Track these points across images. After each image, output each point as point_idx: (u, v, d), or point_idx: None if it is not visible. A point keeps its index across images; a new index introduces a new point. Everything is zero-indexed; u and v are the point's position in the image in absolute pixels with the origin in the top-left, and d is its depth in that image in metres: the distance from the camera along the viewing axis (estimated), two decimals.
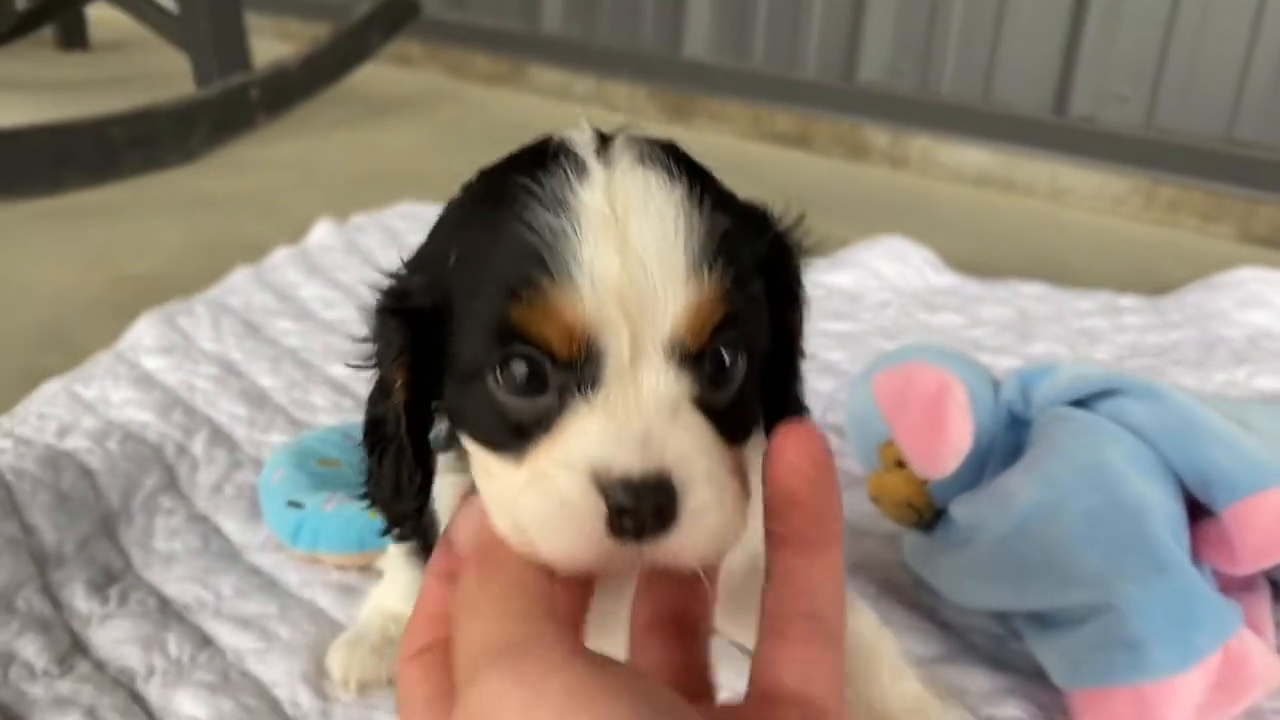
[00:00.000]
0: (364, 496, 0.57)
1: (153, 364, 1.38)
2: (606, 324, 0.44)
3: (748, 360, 0.49)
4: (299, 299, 1.66)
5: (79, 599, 0.95)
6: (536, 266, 0.44)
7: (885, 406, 1.01)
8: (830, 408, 1.16)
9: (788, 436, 0.45)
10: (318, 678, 0.88)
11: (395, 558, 0.91)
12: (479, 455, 0.48)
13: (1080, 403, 0.99)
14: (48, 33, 3.59)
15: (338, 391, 1.37)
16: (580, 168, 0.47)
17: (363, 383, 1.36)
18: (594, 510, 0.43)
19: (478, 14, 3.52)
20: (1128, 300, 1.82)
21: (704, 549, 0.44)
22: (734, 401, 0.48)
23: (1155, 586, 0.85)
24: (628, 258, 0.44)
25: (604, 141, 0.49)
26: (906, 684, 0.71)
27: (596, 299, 0.44)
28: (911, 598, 1.02)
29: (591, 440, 0.44)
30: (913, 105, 2.70)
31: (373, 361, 0.54)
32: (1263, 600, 0.97)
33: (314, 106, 2.85)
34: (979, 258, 2.05)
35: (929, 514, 1.04)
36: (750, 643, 0.48)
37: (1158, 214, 2.41)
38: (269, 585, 1.00)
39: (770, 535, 0.46)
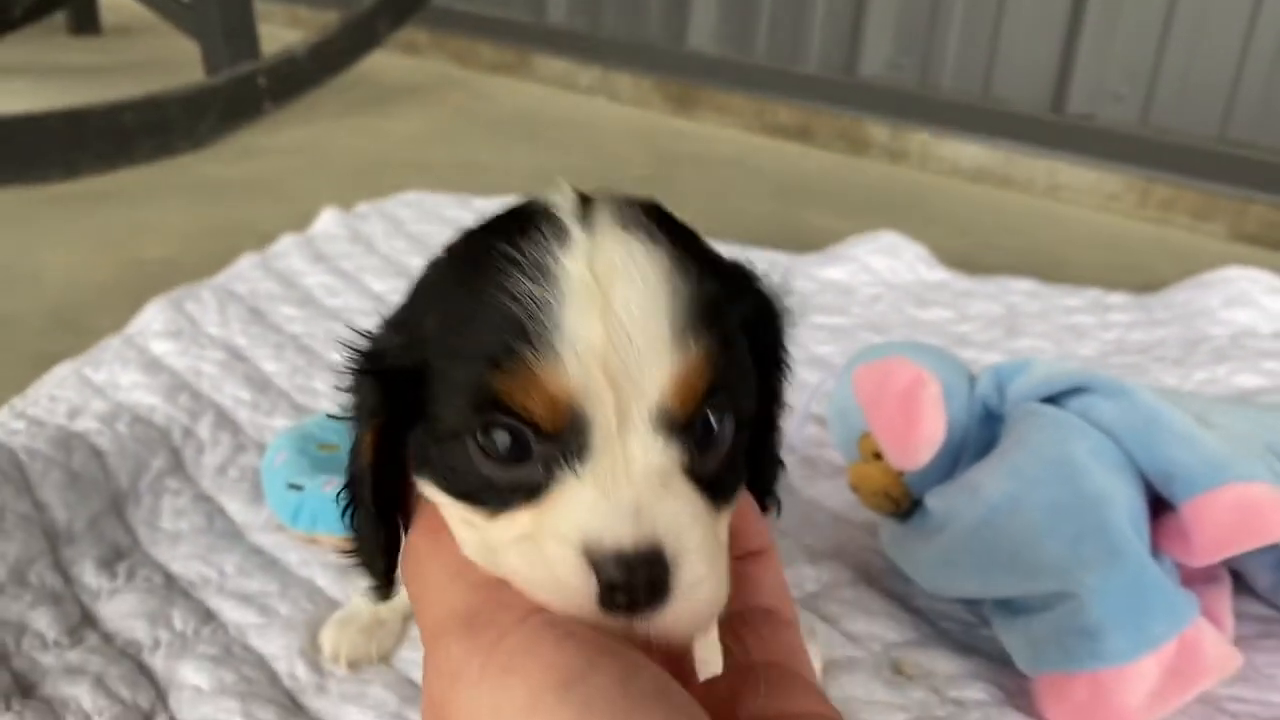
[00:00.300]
0: (349, 554, 0.55)
1: (160, 348, 1.42)
2: (591, 394, 0.43)
3: (735, 424, 0.48)
4: (303, 286, 1.70)
5: (88, 574, 0.99)
6: (518, 336, 0.43)
7: (863, 399, 1.04)
8: (816, 398, 1.20)
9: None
10: (314, 653, 0.92)
11: None
12: (454, 507, 0.47)
13: (1052, 399, 1.03)
14: (60, 18, 3.63)
15: (339, 378, 1.40)
16: (561, 233, 0.45)
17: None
18: (586, 585, 0.42)
19: (484, 3, 3.56)
20: (1115, 298, 1.85)
21: (697, 621, 0.44)
22: (722, 466, 0.47)
23: (1114, 577, 0.89)
24: (611, 326, 0.43)
25: (585, 204, 0.48)
26: None
27: (580, 369, 0.43)
28: (885, 584, 1.07)
29: (581, 512, 0.42)
30: (913, 100, 2.74)
31: (350, 417, 0.52)
32: (1223, 592, 1.01)
33: (321, 94, 2.89)
34: (975, 252, 2.09)
35: (906, 504, 1.08)
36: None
37: (1151, 211, 2.44)
38: (270, 564, 1.04)
39: None
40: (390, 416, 0.49)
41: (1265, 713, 0.93)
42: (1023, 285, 1.88)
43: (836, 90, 2.84)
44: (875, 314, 1.74)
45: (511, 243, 0.45)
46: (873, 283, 1.86)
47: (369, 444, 0.50)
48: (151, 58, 3.33)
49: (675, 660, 0.46)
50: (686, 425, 0.45)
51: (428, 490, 0.48)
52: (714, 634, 0.49)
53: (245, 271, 1.72)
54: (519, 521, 0.44)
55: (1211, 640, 0.91)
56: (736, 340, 0.47)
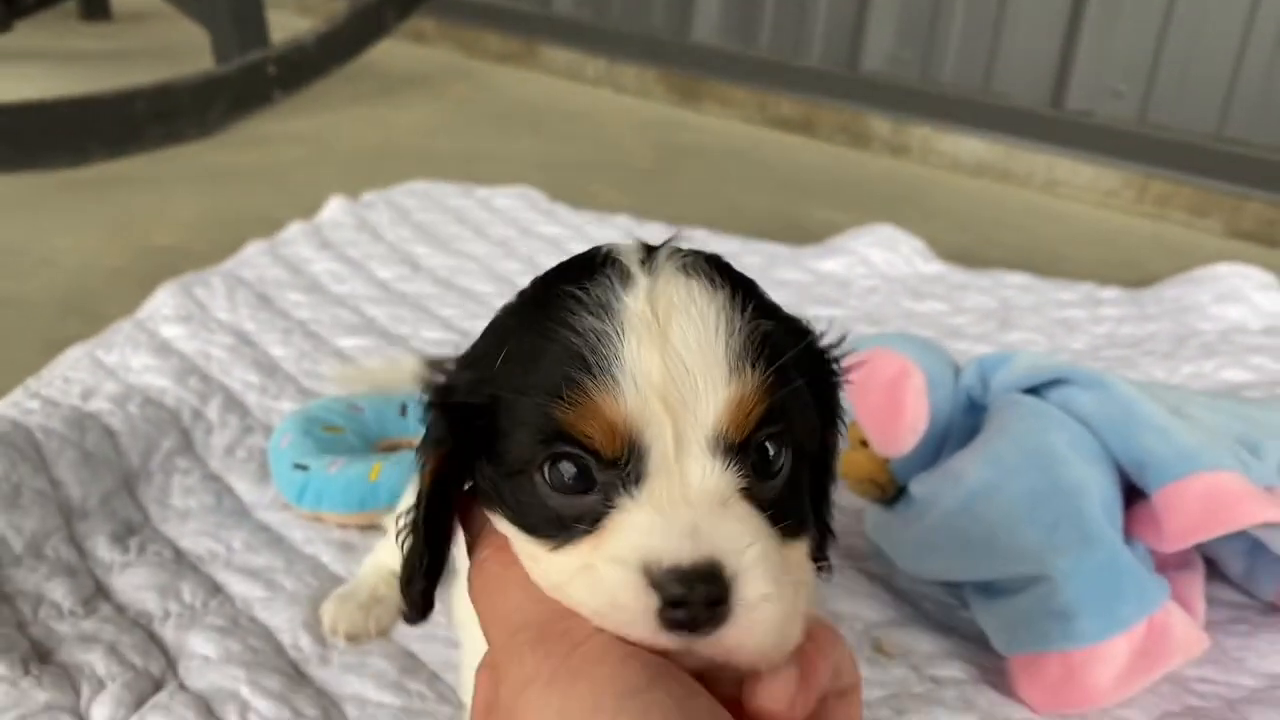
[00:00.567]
0: (399, 578, 0.57)
1: (170, 332, 1.46)
2: (649, 420, 0.45)
3: (794, 456, 0.49)
4: (310, 273, 1.73)
5: (102, 549, 1.03)
6: (580, 368, 0.45)
7: (851, 388, 1.08)
8: None
9: (760, 697, 0.44)
10: (318, 625, 0.96)
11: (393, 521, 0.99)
12: (522, 542, 0.49)
13: (1034, 390, 1.06)
14: (71, 4, 3.67)
15: (345, 362, 1.44)
16: (625, 275, 0.48)
17: (367, 355, 1.44)
18: (646, 605, 0.42)
19: None
20: (1108, 293, 1.88)
21: (763, 644, 0.43)
22: (782, 495, 0.48)
23: (1086, 562, 0.92)
24: (669, 356, 0.45)
25: (649, 253, 0.50)
26: None
27: (639, 397, 0.45)
28: (870, 567, 1.10)
29: (640, 533, 0.44)
30: (914, 95, 2.76)
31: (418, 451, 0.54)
32: (1196, 578, 1.04)
33: (329, 83, 2.92)
34: (973, 246, 2.12)
35: (891, 490, 1.12)
36: None
37: (1148, 207, 2.47)
38: (276, 541, 1.08)
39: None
40: (454, 448, 0.51)
41: (1232, 694, 0.96)
42: (1017, 279, 1.91)
43: (839, 84, 2.87)
44: (871, 306, 1.77)
45: (578, 284, 0.48)
46: (869, 275, 1.89)
47: (430, 472, 0.52)
48: (161, 44, 3.37)
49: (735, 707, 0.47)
50: (743, 450, 0.46)
51: (498, 523, 0.50)
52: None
53: (253, 258, 1.75)
54: (581, 552, 0.45)
55: (1180, 623, 0.95)
56: (793, 376, 0.48)
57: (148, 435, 1.21)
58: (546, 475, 0.47)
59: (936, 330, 1.67)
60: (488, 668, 0.48)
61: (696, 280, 0.48)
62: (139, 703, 0.85)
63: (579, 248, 0.55)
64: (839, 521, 1.14)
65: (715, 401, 0.45)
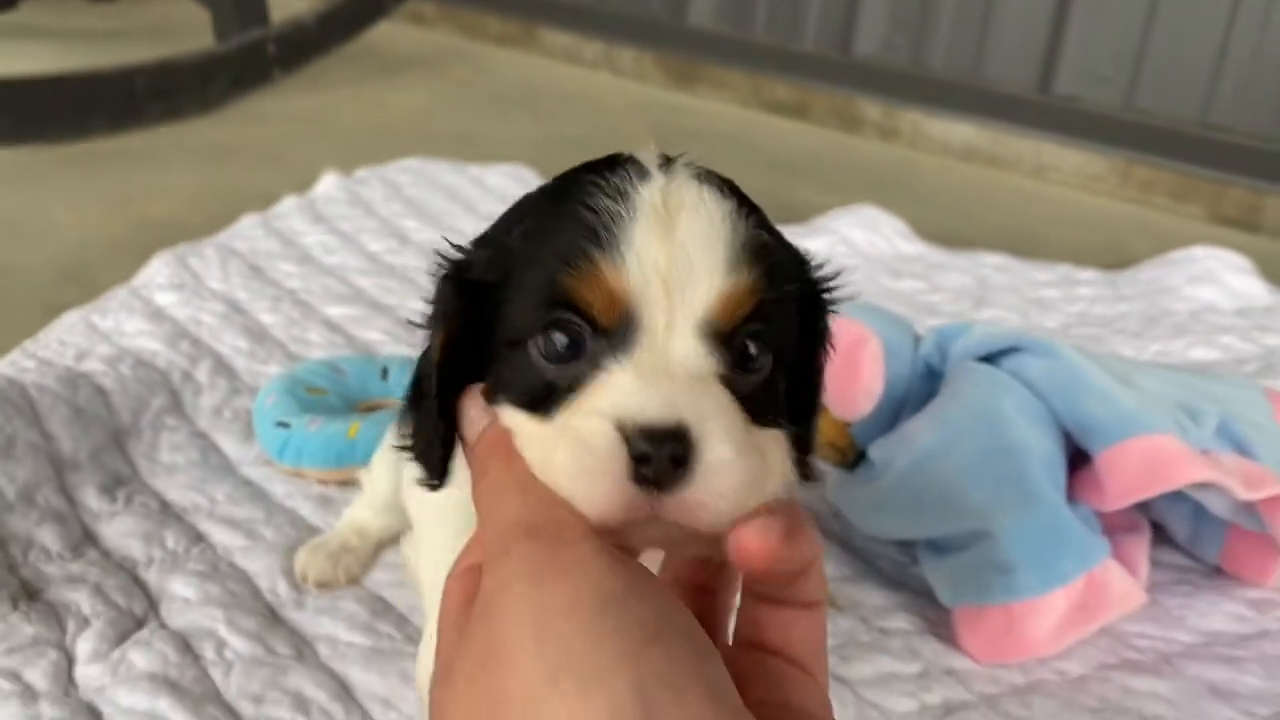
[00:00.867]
0: (404, 448, 0.60)
1: (164, 299, 1.50)
2: (646, 298, 0.48)
3: (774, 361, 0.52)
4: (302, 245, 1.78)
5: (91, 499, 1.08)
6: (590, 241, 0.49)
7: None
8: None
9: (742, 534, 0.46)
10: (294, 572, 1.01)
11: (372, 475, 1.04)
12: (515, 418, 0.51)
13: (989, 358, 1.11)
14: None
15: (332, 330, 1.49)
16: (642, 172, 0.52)
17: (354, 323, 1.48)
18: (617, 455, 0.45)
19: None
20: (1085, 274, 1.92)
21: (721, 508, 0.46)
22: (759, 392, 0.51)
23: (1028, 519, 0.97)
24: (673, 245, 0.49)
25: (668, 160, 0.54)
26: None
27: (641, 274, 0.48)
28: (828, 526, 1.15)
29: (619, 393, 0.47)
30: (905, 80, 2.80)
31: (426, 323, 0.57)
32: (1141, 541, 1.08)
33: (328, 62, 2.96)
34: (958, 229, 2.16)
35: (852, 455, 1.16)
36: None
37: (1132, 192, 2.50)
38: (258, 495, 1.13)
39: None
40: (465, 325, 0.54)
41: (1167, 649, 1.00)
42: (995, 260, 1.94)
43: (832, 68, 2.90)
44: (850, 283, 1.81)
45: (597, 173, 0.52)
46: (850, 254, 1.93)
47: (440, 345, 0.55)
48: (163, 23, 3.40)
49: (710, 621, 0.51)
50: (727, 342, 0.50)
51: (499, 409, 0.52)
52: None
53: (247, 230, 1.80)
54: (566, 414, 0.49)
55: (1118, 579, 0.99)
56: (784, 290, 0.52)
57: (138, 395, 1.25)
58: (541, 345, 0.50)
59: (912, 307, 1.71)
60: (459, 576, 0.50)
61: (708, 186, 0.52)
62: (121, 639, 0.89)
63: None
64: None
65: (710, 291, 0.49)
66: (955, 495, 1.00)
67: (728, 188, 0.54)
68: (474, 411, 0.54)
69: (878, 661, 0.96)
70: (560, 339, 0.50)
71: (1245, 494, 0.97)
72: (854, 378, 1.08)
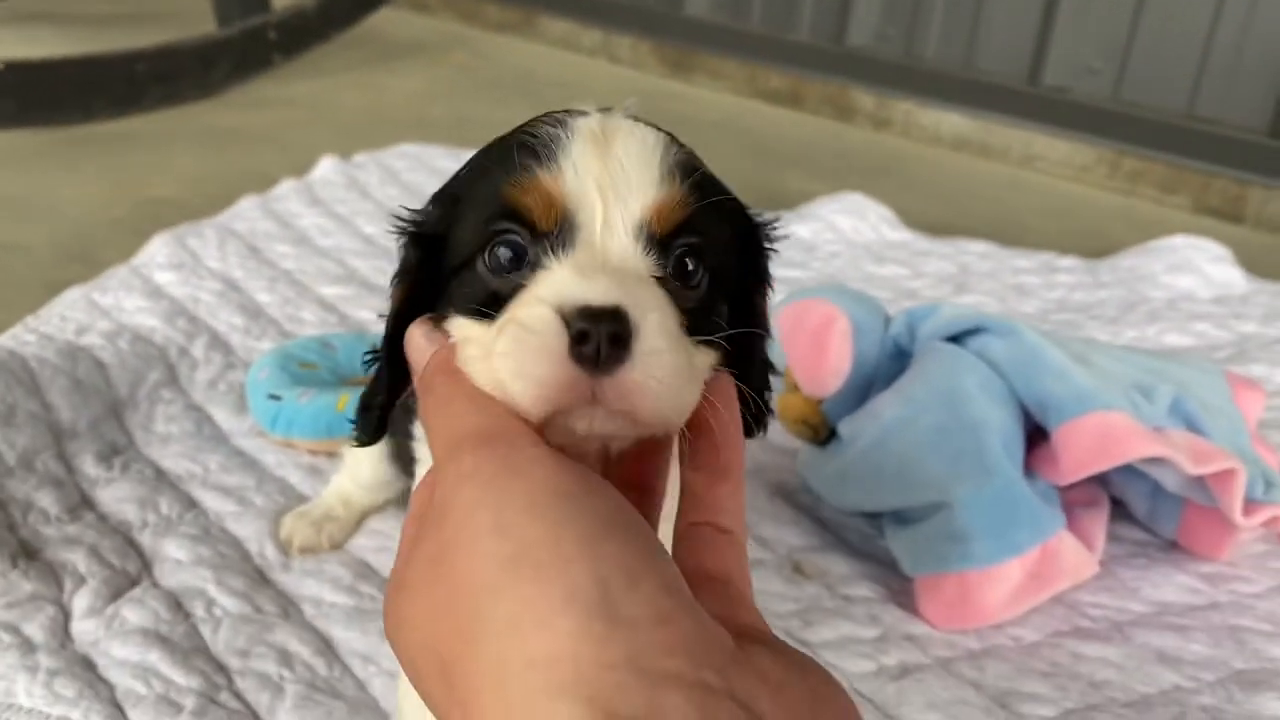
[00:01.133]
0: (362, 399, 0.63)
1: (163, 278, 1.55)
2: (583, 203, 0.51)
3: (710, 281, 0.54)
4: (299, 227, 1.82)
5: (88, 465, 1.12)
6: (531, 158, 0.52)
7: (783, 334, 1.16)
8: None
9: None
10: (280, 538, 1.05)
11: (355, 453, 1.08)
12: (462, 329, 0.53)
13: (956, 338, 1.14)
14: None
15: (325, 309, 1.53)
16: (582, 112, 0.56)
17: (347, 302, 1.52)
18: (556, 334, 0.46)
19: None
20: (1066, 261, 1.95)
21: (656, 398, 0.47)
22: (696, 309, 0.53)
23: (985, 491, 1.01)
24: (609, 160, 0.52)
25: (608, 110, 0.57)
26: None
27: (577, 180, 0.51)
28: (798, 498, 1.19)
29: (558, 281, 0.49)
30: (898, 70, 2.83)
31: (391, 283, 0.60)
32: (1100, 516, 1.12)
33: (328, 48, 2.99)
34: (945, 217, 2.19)
35: (824, 432, 1.20)
36: None
37: (1120, 183, 2.53)
38: (250, 464, 1.17)
39: (686, 457, 0.53)
40: (424, 279, 0.57)
41: (1120, 617, 1.05)
42: (978, 247, 1.98)
43: (825, 58, 2.94)
44: (833, 269, 1.85)
45: (540, 117, 0.56)
46: (835, 240, 1.97)
47: (399, 296, 0.58)
48: (165, 8, 3.43)
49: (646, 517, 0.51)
50: (663, 250, 0.52)
51: (450, 327, 0.54)
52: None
53: (245, 212, 1.84)
54: (509, 315, 0.50)
55: (1071, 550, 1.03)
56: (720, 214, 0.55)
57: (136, 368, 1.30)
58: (487, 260, 0.53)
59: (894, 292, 1.75)
60: (414, 498, 0.50)
61: (645, 126, 0.56)
62: (115, 596, 0.94)
63: None
64: (774, 461, 1.23)
65: (644, 197, 0.52)
66: (914, 468, 1.04)
67: (669, 135, 0.57)
68: (420, 339, 0.55)
69: (839, 626, 1.00)
70: (504, 251, 0.52)
71: (1194, 469, 1.01)
72: (822, 356, 1.12)
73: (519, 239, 0.52)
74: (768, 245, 0.62)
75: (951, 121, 2.75)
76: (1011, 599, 1.01)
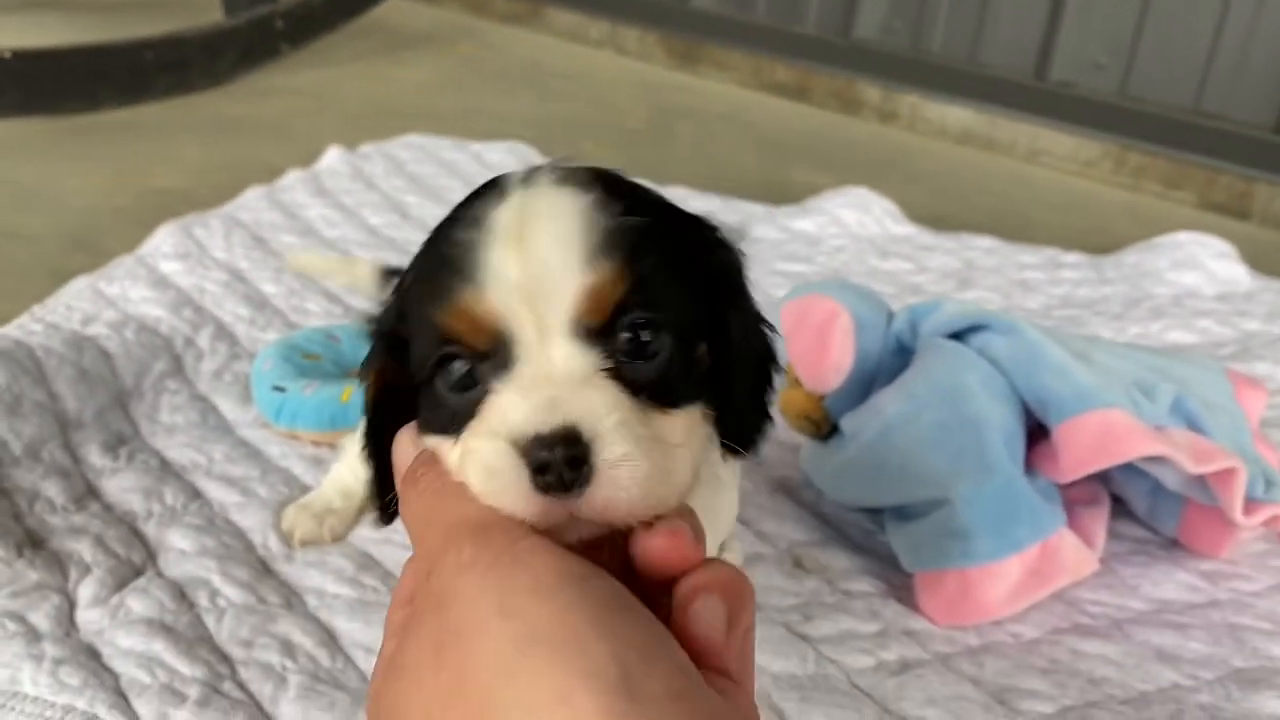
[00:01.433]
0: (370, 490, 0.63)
1: (169, 268, 1.55)
2: (511, 314, 0.49)
3: (676, 339, 0.52)
4: (305, 218, 1.82)
5: (94, 455, 1.13)
6: (455, 275, 0.51)
7: (785, 329, 1.16)
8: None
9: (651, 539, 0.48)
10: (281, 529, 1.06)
11: (355, 440, 1.09)
12: (433, 444, 0.54)
13: (958, 335, 1.15)
14: None
15: (330, 300, 1.54)
16: (502, 193, 0.53)
17: (353, 294, 1.53)
18: (517, 471, 0.47)
19: None
20: (1070, 257, 1.95)
21: (632, 499, 0.47)
22: (662, 375, 0.52)
23: (985, 488, 1.01)
24: (527, 258, 0.50)
25: (532, 174, 0.55)
26: None
27: (500, 294, 0.49)
28: (799, 494, 1.19)
29: (506, 410, 0.48)
30: (904, 63, 2.83)
31: (360, 375, 0.61)
32: (1100, 513, 1.13)
33: (335, 38, 3.00)
34: (950, 212, 2.19)
35: (826, 427, 1.20)
36: None
37: (1125, 179, 2.53)
38: (254, 455, 1.18)
39: None
40: (391, 370, 0.57)
41: (1120, 615, 1.05)
42: (983, 242, 1.98)
43: (832, 51, 2.94)
44: (838, 263, 1.85)
45: (467, 207, 0.54)
46: (840, 235, 1.97)
47: (372, 391, 0.59)
48: None
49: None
50: (607, 334, 0.50)
51: (427, 441, 0.55)
52: None
53: (251, 202, 1.84)
54: (467, 438, 0.50)
55: (1071, 547, 1.04)
56: (666, 264, 0.52)
57: (141, 358, 1.30)
58: (441, 379, 0.53)
59: (898, 287, 1.75)
60: (412, 572, 0.51)
61: (566, 189, 0.53)
62: (120, 585, 0.95)
63: None
64: (776, 456, 1.24)
65: (570, 291, 0.50)
66: (915, 464, 1.05)
67: (599, 180, 0.54)
68: (405, 445, 0.56)
69: (839, 621, 1.00)
70: (456, 369, 0.52)
71: (1194, 468, 1.01)
72: (825, 352, 1.12)
73: (464, 359, 0.52)
74: (729, 254, 0.60)
75: (957, 115, 2.75)
76: (1011, 596, 1.01)
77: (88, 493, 1.08)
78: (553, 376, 0.49)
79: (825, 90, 2.96)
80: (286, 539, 1.04)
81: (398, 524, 1.07)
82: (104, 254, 1.60)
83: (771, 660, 0.93)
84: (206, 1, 2.96)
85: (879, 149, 2.70)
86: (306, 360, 1.26)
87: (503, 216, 0.52)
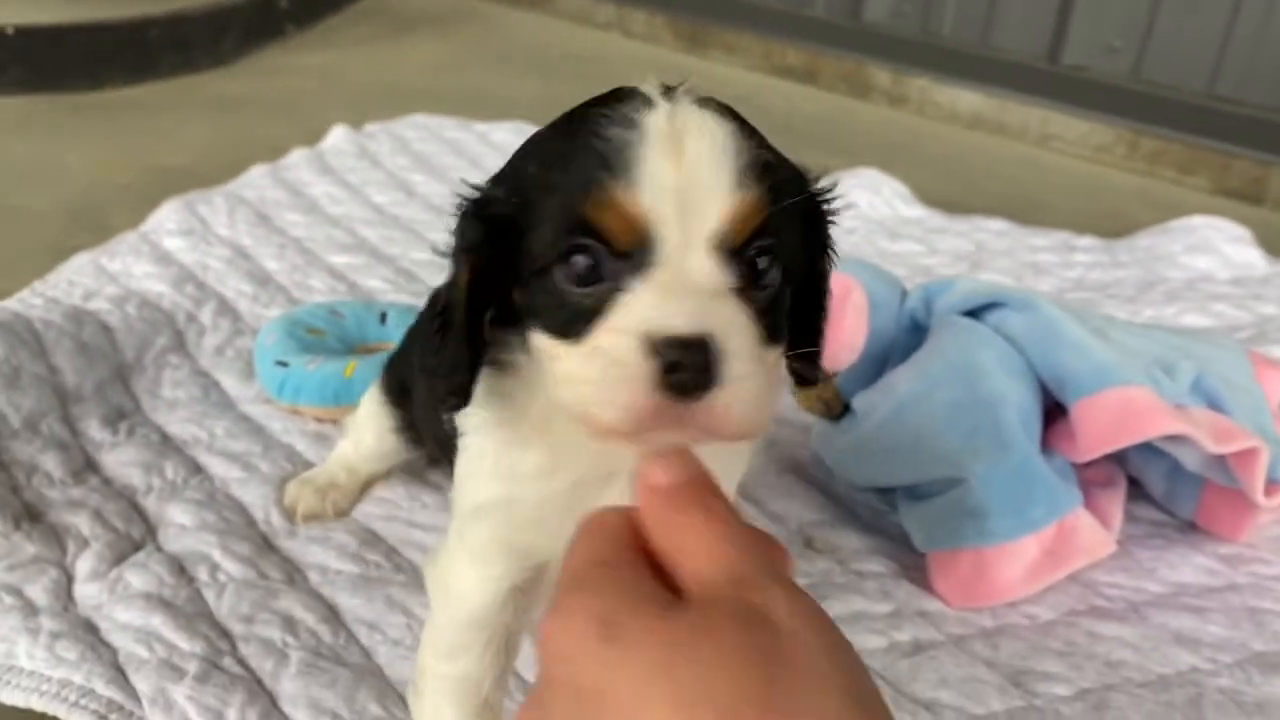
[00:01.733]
0: (428, 370, 0.63)
1: (172, 244, 1.53)
2: (661, 219, 0.50)
3: (781, 275, 0.54)
4: (309, 195, 1.80)
5: (94, 429, 1.11)
6: (604, 169, 0.51)
7: None
8: None
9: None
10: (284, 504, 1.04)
11: (359, 419, 1.07)
12: (545, 344, 0.54)
13: (973, 313, 1.13)
14: None
15: (335, 277, 1.52)
16: (648, 101, 0.54)
17: (356, 271, 1.51)
18: (645, 367, 0.47)
19: None
20: (1083, 240, 1.93)
21: (741, 419, 0.48)
22: (768, 306, 0.53)
23: (1001, 467, 0.99)
24: (682, 167, 0.51)
25: (670, 91, 0.56)
26: None
27: (654, 197, 0.50)
28: (811, 474, 1.18)
29: (644, 309, 0.49)
30: (914, 47, 2.80)
31: (449, 257, 0.59)
32: (1117, 495, 1.11)
33: (341, 19, 2.98)
34: (960, 195, 2.17)
35: (838, 407, 1.18)
36: None
37: (1139, 163, 2.50)
38: (256, 430, 1.16)
39: None
40: (487, 258, 0.56)
41: (1136, 597, 1.03)
42: (995, 225, 1.96)
43: (842, 34, 2.91)
44: (849, 244, 1.81)
45: (605, 105, 0.54)
46: (850, 216, 1.93)
47: (465, 278, 0.57)
48: None
49: None
50: (738, 256, 0.52)
51: (533, 339, 0.54)
52: None
53: (255, 180, 1.82)
54: (592, 338, 0.51)
55: (1088, 528, 1.02)
56: (787, 205, 0.54)
57: (143, 333, 1.28)
58: (564, 271, 0.52)
59: (908, 269, 1.73)
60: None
61: (711, 110, 0.54)
62: (119, 560, 0.93)
63: None
64: (787, 435, 1.22)
65: (720, 209, 0.51)
66: (930, 443, 1.03)
67: (728, 112, 0.56)
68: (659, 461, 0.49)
69: (851, 601, 0.98)
70: (582, 262, 0.52)
71: (1215, 448, 0.99)
72: (837, 330, 1.10)
73: (597, 253, 0.51)
74: (829, 215, 0.62)
75: (968, 99, 2.72)
76: (1027, 576, 0.99)
77: (86, 466, 1.06)
78: (690, 285, 0.50)
79: (835, 73, 2.93)
80: (289, 514, 1.03)
81: (394, 499, 1.05)
82: (107, 230, 1.59)
83: None
84: None
85: (888, 133, 2.67)
86: (310, 336, 1.24)
87: (656, 122, 0.52)
